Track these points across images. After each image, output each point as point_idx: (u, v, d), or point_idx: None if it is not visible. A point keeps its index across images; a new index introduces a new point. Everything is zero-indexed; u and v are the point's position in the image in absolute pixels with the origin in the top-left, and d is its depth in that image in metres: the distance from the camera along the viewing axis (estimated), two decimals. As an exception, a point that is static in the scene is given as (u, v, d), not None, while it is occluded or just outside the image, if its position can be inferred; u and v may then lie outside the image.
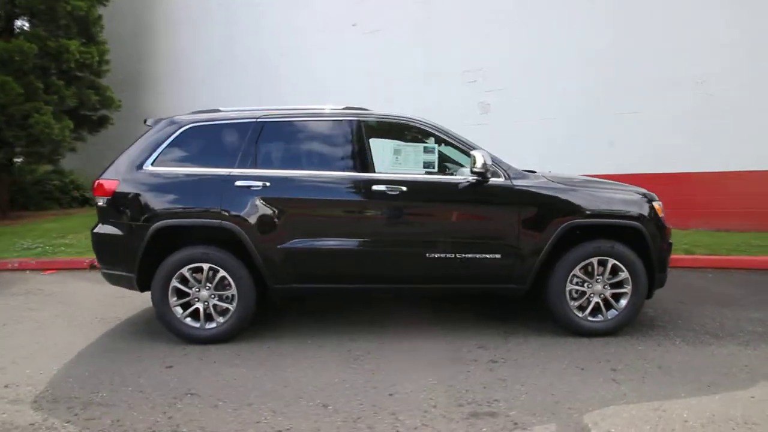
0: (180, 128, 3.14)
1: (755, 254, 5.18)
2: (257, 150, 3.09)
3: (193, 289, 3.05)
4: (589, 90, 7.02)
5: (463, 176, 3.10)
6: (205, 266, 3.01)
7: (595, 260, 3.05)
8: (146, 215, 3.01)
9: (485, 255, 3.02)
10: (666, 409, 2.21)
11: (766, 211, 6.27)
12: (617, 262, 3.05)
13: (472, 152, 2.93)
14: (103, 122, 9.40)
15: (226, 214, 2.98)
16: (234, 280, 3.01)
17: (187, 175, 3.04)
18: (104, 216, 3.14)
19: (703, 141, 6.43)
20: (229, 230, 2.97)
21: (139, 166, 3.09)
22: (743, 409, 2.19)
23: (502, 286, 3.13)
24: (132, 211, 3.04)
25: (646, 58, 6.66)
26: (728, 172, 6.33)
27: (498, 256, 3.03)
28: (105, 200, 3.10)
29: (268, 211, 3.01)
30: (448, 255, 3.01)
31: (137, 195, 3.04)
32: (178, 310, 3.05)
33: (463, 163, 3.18)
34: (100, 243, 3.18)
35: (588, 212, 3.04)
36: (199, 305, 3.05)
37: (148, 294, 4.10)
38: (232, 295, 3.05)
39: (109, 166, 3.21)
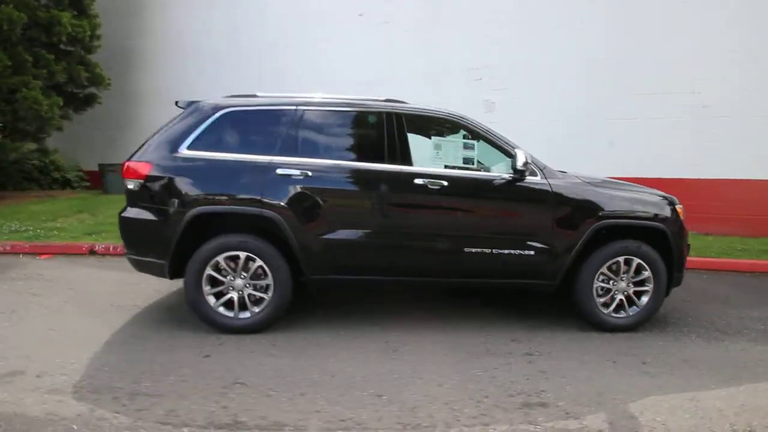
0: (217, 112, 3.06)
1: (741, 257, 5.56)
2: (297, 138, 3.05)
3: (228, 277, 2.99)
4: (589, 92, 7.26)
5: (501, 173, 3.16)
6: (242, 255, 2.96)
7: (621, 259, 3.19)
8: (183, 201, 2.92)
9: (520, 251, 3.10)
10: (700, 399, 2.36)
11: (747, 218, 6.71)
12: (641, 262, 3.19)
13: (516, 150, 2.99)
14: (90, 100, 8.94)
15: (267, 202, 2.93)
16: (271, 270, 2.97)
17: (227, 161, 2.97)
18: (135, 200, 3.03)
19: (696, 148, 6.80)
20: (269, 219, 2.92)
21: (174, 150, 2.99)
22: (766, 400, 2.37)
23: (534, 282, 3.23)
24: (167, 195, 2.94)
25: (645, 62, 6.95)
26: (718, 179, 6.71)
27: (532, 252, 3.12)
28: (136, 183, 2.98)
29: (309, 201, 2.98)
30: (484, 250, 3.08)
31: (172, 179, 2.94)
32: (211, 299, 2.99)
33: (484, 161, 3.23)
34: (129, 228, 3.06)
35: (618, 213, 3.17)
36: (234, 294, 3.00)
37: (160, 281, 4.04)
38: (267, 285, 3.01)
39: (140, 148, 3.09)
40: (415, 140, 3.21)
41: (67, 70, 7.65)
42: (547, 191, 3.12)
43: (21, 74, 6.71)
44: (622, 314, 3.25)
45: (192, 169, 2.96)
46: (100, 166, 8.62)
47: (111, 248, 5.32)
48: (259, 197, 2.93)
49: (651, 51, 6.94)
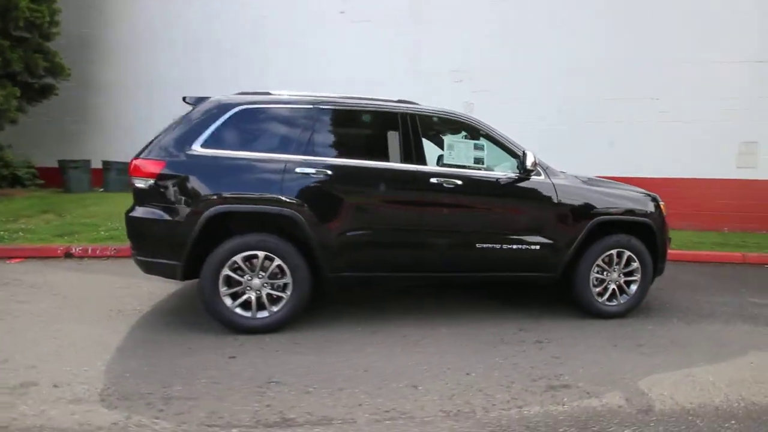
0: (232, 109, 3.00)
1: (698, 249, 6.17)
2: (315, 137, 3.06)
3: (245, 277, 2.95)
4: (560, 97, 7.73)
5: (508, 173, 3.34)
6: (261, 254, 2.93)
7: (614, 252, 3.47)
8: (199, 200, 2.84)
9: (527, 246, 3.30)
10: (695, 375, 2.65)
11: (698, 213, 7.43)
12: (631, 254, 3.50)
13: (526, 150, 3.18)
14: (45, 92, 8.27)
15: (287, 200, 2.92)
16: (290, 269, 2.97)
17: (244, 159, 2.92)
18: (144, 199, 2.91)
19: (652, 149, 7.44)
20: (289, 217, 2.92)
21: (188, 147, 2.90)
22: (750, 372, 2.71)
23: (537, 275, 3.44)
24: (182, 194, 2.86)
25: (614, 70, 7.51)
26: (676, 178, 7.38)
27: (537, 247, 3.32)
28: (147, 182, 2.87)
29: (328, 199, 3.00)
30: (495, 245, 3.25)
31: (187, 178, 2.86)
32: (228, 299, 2.94)
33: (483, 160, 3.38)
34: (138, 228, 2.94)
35: (613, 209, 3.45)
36: (251, 294, 2.96)
37: (151, 284, 3.93)
38: (285, 284, 3.01)
39: (148, 145, 2.97)
40: (431, 140, 3.33)
41: (23, 58, 7.03)
42: (550, 189, 3.33)
43: (-28, 62, 6.11)
44: (615, 302, 3.55)
45: (208, 167, 2.89)
46: (61, 162, 8.01)
47: (89, 250, 5.02)
48: (279, 196, 2.91)
49: (615, 61, 7.50)
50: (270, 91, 3.20)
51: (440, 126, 3.41)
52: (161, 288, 3.92)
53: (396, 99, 3.35)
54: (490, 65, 7.91)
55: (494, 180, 3.31)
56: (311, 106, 3.10)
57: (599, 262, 3.47)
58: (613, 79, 7.53)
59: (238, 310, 2.96)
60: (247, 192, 2.92)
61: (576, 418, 2.17)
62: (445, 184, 3.15)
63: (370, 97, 3.31)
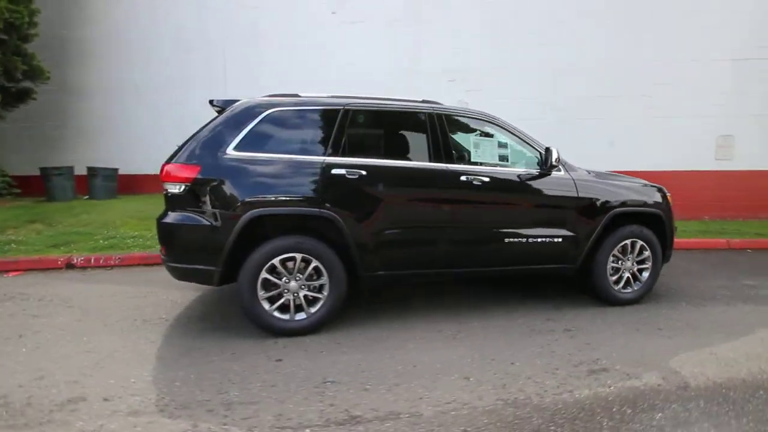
0: (263, 112, 2.99)
1: (687, 237, 6.54)
2: (347, 138, 3.08)
3: (283, 279, 2.95)
4: (552, 95, 8.01)
5: (530, 169, 3.46)
6: (298, 256, 2.93)
7: (628, 242, 3.66)
8: (236, 203, 2.82)
9: (552, 239, 3.44)
10: (716, 353, 2.84)
11: (680, 203, 7.85)
12: (643, 243, 3.70)
13: (550, 147, 3.31)
14: (23, 96, 7.86)
15: (325, 202, 2.93)
16: (327, 270, 2.98)
17: (279, 161, 2.91)
18: (178, 204, 2.86)
19: (639, 144, 7.81)
20: (328, 219, 2.93)
21: (222, 151, 2.87)
22: (763, 347, 2.93)
23: (559, 266, 3.58)
24: (218, 198, 2.82)
25: (604, 70, 7.84)
26: (663, 171, 7.79)
27: (560, 239, 3.47)
28: (182, 187, 2.82)
29: (364, 200, 3.04)
30: (522, 239, 3.37)
31: (224, 181, 2.83)
32: (266, 303, 2.93)
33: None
34: (172, 234, 2.88)
35: (628, 202, 3.64)
36: (289, 297, 2.96)
37: (169, 291, 3.87)
38: (321, 285, 3.02)
39: (178, 150, 2.92)
40: (458, 139, 3.41)
41: (1, 61, 6.66)
42: (571, 183, 3.48)
43: (-52, 65, 5.74)
44: (629, 289, 3.74)
45: (244, 170, 2.86)
46: (43, 169, 7.63)
47: (92, 260, 4.84)
48: (317, 197, 2.92)
49: (605, 60, 7.83)
50: (299, 93, 3.20)
51: (466, 125, 3.49)
52: (180, 295, 3.84)
53: (420, 99, 3.41)
54: (483, 65, 8.09)
55: (519, 176, 3.43)
56: (341, 108, 3.12)
57: (615, 251, 3.65)
58: (603, 78, 7.86)
59: (277, 314, 2.95)
60: (286, 194, 2.91)
61: (624, 397, 2.30)
62: (474, 182, 3.24)
63: (395, 97, 3.36)
